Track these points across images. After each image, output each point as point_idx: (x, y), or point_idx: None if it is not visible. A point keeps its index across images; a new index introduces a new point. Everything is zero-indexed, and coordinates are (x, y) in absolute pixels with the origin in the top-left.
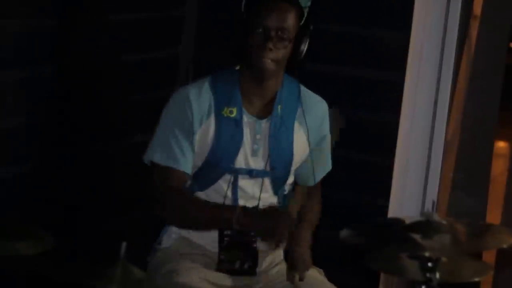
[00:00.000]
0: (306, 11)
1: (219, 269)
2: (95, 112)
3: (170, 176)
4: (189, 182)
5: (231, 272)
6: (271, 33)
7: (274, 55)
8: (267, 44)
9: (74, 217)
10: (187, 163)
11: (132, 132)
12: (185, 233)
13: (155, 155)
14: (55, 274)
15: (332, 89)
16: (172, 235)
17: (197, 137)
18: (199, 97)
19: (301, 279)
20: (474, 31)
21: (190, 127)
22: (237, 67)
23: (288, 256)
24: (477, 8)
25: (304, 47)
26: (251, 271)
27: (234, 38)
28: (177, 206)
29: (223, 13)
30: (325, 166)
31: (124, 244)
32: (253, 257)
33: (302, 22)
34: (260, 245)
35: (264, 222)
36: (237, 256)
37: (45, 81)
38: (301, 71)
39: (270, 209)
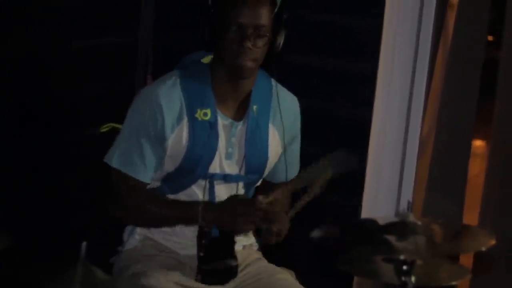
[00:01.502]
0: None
1: (200, 273)
2: (44, 103)
3: (126, 182)
4: (156, 184)
5: (213, 274)
6: (247, 31)
7: (253, 55)
8: (244, 44)
9: (32, 215)
10: (146, 173)
11: (90, 124)
12: (149, 234)
13: (114, 159)
14: (11, 275)
15: (302, 82)
16: (136, 236)
17: (169, 142)
18: (170, 100)
19: (278, 235)
20: (450, 21)
21: (160, 134)
22: (205, 59)
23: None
24: None
25: (281, 40)
26: (235, 271)
27: (200, 28)
28: (134, 204)
29: None
30: (294, 166)
31: (84, 244)
32: (234, 257)
33: (276, 11)
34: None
35: (224, 214)
36: (219, 256)
37: None
38: (278, 64)
39: (230, 200)
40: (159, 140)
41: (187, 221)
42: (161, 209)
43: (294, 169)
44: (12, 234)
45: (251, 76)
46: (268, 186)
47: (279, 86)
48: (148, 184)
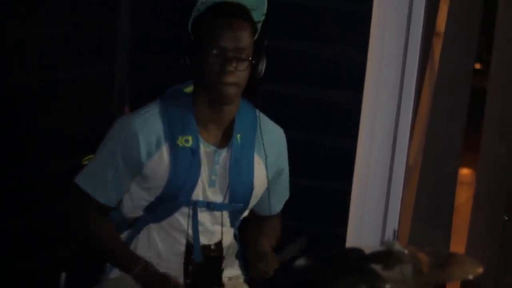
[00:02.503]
0: (259, 25)
1: None
2: (20, 135)
3: (87, 201)
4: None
5: None
6: (228, 54)
7: (235, 79)
8: (226, 67)
9: (11, 245)
10: (107, 195)
11: (64, 156)
12: None
13: (78, 177)
14: None
15: (287, 112)
16: None
17: (147, 169)
18: (145, 127)
19: (264, 275)
20: (437, 50)
21: (134, 160)
22: (187, 89)
23: (250, 256)
24: (441, 25)
25: (263, 66)
26: None
27: (181, 61)
28: (89, 230)
29: (160, 27)
30: (282, 197)
31: (63, 275)
32: (222, 285)
33: (256, 37)
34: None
35: (154, 285)
36: (205, 283)
37: None
38: (259, 91)
39: (164, 277)
40: (132, 167)
41: (123, 269)
42: (107, 243)
43: (281, 201)
44: None
45: (233, 102)
46: (255, 220)
47: (264, 117)
48: (110, 207)
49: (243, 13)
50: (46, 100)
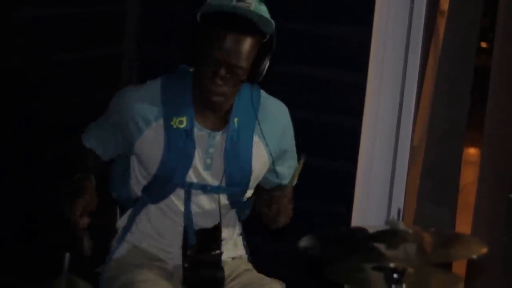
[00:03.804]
0: (268, 34)
1: (185, 283)
2: (30, 116)
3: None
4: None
5: (198, 284)
6: (220, 69)
7: (223, 90)
8: (215, 80)
9: (13, 227)
10: (103, 150)
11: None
12: (137, 242)
13: (83, 135)
14: None
15: (292, 91)
16: (124, 245)
17: (139, 142)
18: (140, 101)
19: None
20: (441, 28)
21: (127, 128)
22: (191, 69)
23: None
24: (444, 3)
25: (264, 68)
26: (221, 281)
27: (184, 41)
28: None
29: (168, 7)
30: (287, 178)
31: (67, 255)
32: (220, 268)
33: (265, 40)
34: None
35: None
36: (204, 267)
37: None
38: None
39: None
40: (125, 133)
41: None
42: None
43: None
44: None
45: (221, 110)
46: (265, 192)
47: (266, 96)
48: (101, 158)
49: (248, 28)
50: (56, 81)
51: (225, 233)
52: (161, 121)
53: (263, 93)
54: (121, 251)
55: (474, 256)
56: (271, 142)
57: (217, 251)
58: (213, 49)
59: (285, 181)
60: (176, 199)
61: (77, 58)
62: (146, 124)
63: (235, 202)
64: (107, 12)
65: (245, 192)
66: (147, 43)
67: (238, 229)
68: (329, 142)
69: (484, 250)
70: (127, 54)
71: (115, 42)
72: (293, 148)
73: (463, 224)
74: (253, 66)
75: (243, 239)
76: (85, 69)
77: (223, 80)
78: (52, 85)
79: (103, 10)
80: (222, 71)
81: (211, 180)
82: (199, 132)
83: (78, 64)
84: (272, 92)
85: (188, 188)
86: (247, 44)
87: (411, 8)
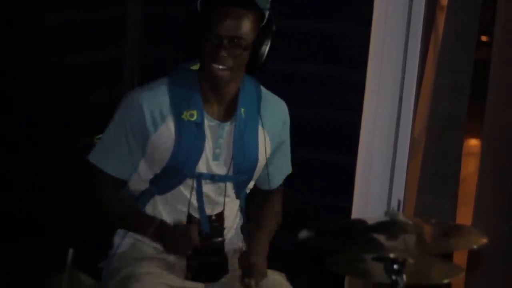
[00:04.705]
0: (266, 12)
1: (189, 270)
2: (36, 116)
3: (100, 176)
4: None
5: (201, 270)
6: (223, 42)
7: (229, 63)
8: (219, 52)
9: (19, 222)
10: (119, 168)
11: (77, 135)
12: (140, 236)
13: (92, 154)
14: None
15: (292, 87)
16: (126, 239)
17: (153, 141)
18: (151, 100)
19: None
20: (440, 23)
21: (141, 132)
22: (194, 66)
23: (243, 262)
24: None
25: (265, 50)
26: (224, 266)
27: (187, 38)
28: (104, 202)
29: (168, 9)
30: (283, 170)
31: (71, 251)
32: (223, 254)
33: (263, 23)
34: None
35: (169, 238)
36: (207, 254)
37: None
38: (261, 71)
39: (178, 227)
40: (139, 138)
41: (138, 232)
42: (121, 210)
43: (281, 174)
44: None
45: (227, 85)
46: (258, 195)
47: (266, 91)
48: (123, 180)
49: (246, 2)
50: (61, 83)
51: (228, 221)
52: (173, 116)
53: (263, 88)
54: (124, 245)
55: (474, 247)
56: (272, 134)
57: (220, 239)
58: (215, 25)
59: (276, 182)
60: (184, 189)
61: (81, 60)
62: (161, 119)
63: (240, 191)
64: (109, 15)
65: (250, 180)
66: (148, 45)
67: (241, 220)
68: (329, 135)
69: (484, 240)
70: (129, 56)
71: (117, 45)
72: (289, 140)
73: (464, 216)
74: (254, 49)
75: (245, 231)
76: (88, 71)
77: (227, 51)
78: (56, 87)
79: (105, 14)
80: (225, 42)
81: (218, 169)
82: (210, 123)
83: (82, 66)
84: (272, 88)
85: (198, 178)
86: (246, 18)
87: (410, 3)
